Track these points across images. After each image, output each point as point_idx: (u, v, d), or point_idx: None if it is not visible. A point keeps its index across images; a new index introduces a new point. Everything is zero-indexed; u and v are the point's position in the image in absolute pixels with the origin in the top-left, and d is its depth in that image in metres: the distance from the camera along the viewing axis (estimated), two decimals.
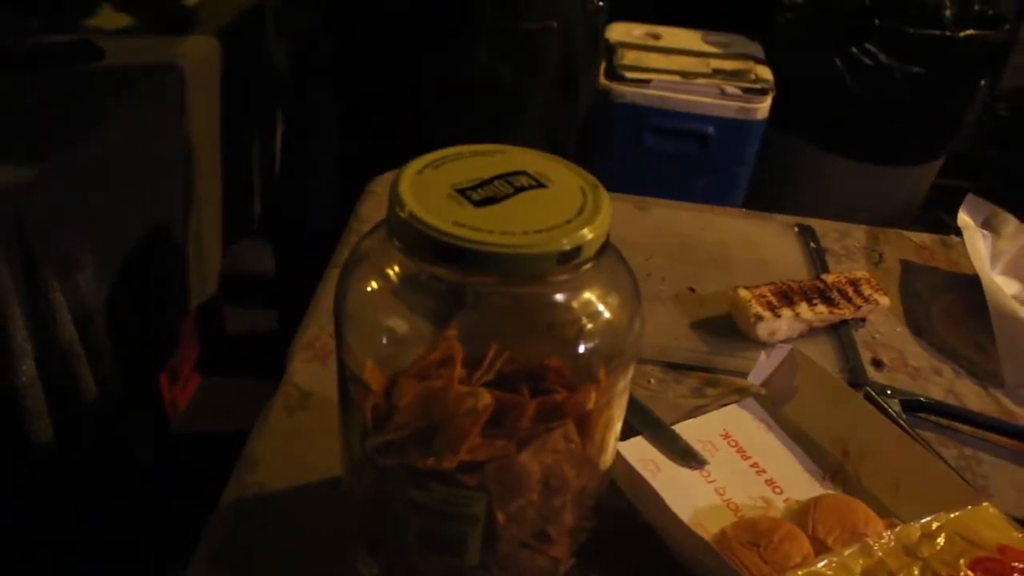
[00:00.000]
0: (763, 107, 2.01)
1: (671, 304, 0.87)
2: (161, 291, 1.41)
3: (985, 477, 0.73)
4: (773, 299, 0.83)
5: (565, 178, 0.49)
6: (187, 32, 1.46)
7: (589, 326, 0.47)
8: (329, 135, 1.46)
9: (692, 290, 0.89)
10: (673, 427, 0.72)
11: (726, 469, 0.70)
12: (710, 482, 0.68)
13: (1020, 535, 0.60)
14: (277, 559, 0.61)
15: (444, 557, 0.51)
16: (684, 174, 2.02)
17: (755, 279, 0.87)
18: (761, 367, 0.76)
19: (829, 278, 0.88)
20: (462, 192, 0.46)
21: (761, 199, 2.04)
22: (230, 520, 0.64)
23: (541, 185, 0.48)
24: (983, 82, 2.27)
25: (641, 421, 0.72)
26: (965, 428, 0.77)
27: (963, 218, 0.99)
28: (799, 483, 0.69)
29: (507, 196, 0.47)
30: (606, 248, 0.47)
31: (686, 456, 0.69)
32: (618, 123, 2.01)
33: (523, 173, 0.49)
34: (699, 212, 1.03)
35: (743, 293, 0.83)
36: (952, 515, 0.60)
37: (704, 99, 1.99)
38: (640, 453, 0.69)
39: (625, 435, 0.70)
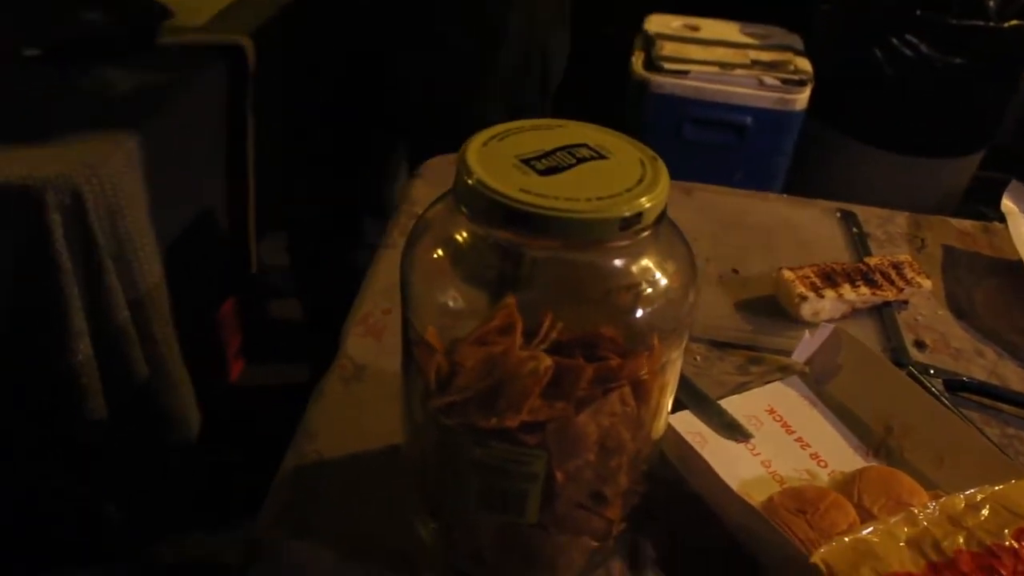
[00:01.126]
0: (802, 98, 2.01)
1: (716, 285, 0.88)
2: (205, 275, 1.44)
3: None
4: (817, 280, 0.84)
5: (624, 150, 0.51)
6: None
7: (648, 292, 0.49)
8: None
9: (736, 271, 0.90)
10: (719, 402, 0.74)
11: (771, 443, 0.71)
12: (755, 455, 0.70)
13: None
14: (338, 522, 0.63)
15: (504, 514, 0.53)
16: (722, 165, 2.02)
17: (797, 261, 0.88)
18: (805, 345, 0.77)
19: (872, 261, 0.89)
20: (526, 162, 0.48)
21: (799, 191, 2.03)
22: (290, 486, 0.66)
23: (602, 156, 0.50)
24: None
25: (688, 395, 0.73)
26: (1008, 408, 0.78)
27: (1007, 204, 1.00)
28: (844, 457, 0.71)
29: (570, 166, 0.48)
30: (663, 218, 0.49)
31: (732, 429, 0.71)
32: (657, 114, 2.03)
33: (584, 145, 0.51)
34: (741, 197, 1.05)
35: (787, 274, 0.84)
36: (996, 488, 0.61)
37: (742, 90, 2.00)
38: (687, 426, 0.71)
39: (673, 409, 0.72)
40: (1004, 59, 2.13)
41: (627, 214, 0.45)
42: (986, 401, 0.78)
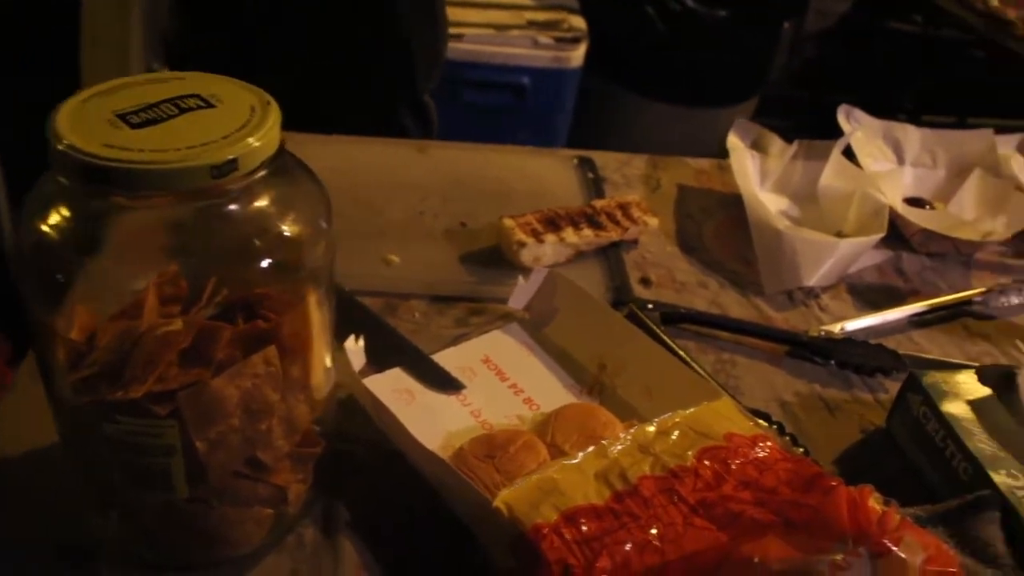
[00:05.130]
0: (577, 55, 2.03)
1: (441, 240, 0.87)
2: None
3: (738, 378, 0.76)
4: (538, 226, 0.83)
5: (237, 98, 0.48)
6: None
7: (268, 239, 0.46)
8: None
9: (464, 224, 0.89)
10: (434, 356, 0.72)
11: (483, 392, 0.70)
12: (466, 405, 0.69)
13: (750, 423, 0.62)
14: (18, 524, 0.58)
15: (154, 492, 0.49)
16: (503, 126, 2.02)
17: (530, 210, 0.87)
18: (520, 291, 0.76)
19: (598, 203, 0.89)
20: (122, 117, 0.45)
21: (582, 147, 2.06)
22: None
23: (209, 105, 0.46)
24: (787, 25, 2.35)
25: (398, 353, 0.71)
26: (724, 335, 0.80)
27: (732, 139, 1.02)
28: (557, 398, 0.70)
29: (170, 117, 0.45)
30: (279, 164, 0.46)
31: (442, 383, 0.69)
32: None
33: (195, 96, 0.47)
34: (479, 151, 1.03)
35: (507, 222, 0.83)
36: (688, 411, 0.62)
37: (518, 50, 2.00)
38: (396, 384, 0.69)
39: (382, 367, 0.70)
40: (767, 11, 2.21)
41: (218, 161, 0.42)
42: (703, 330, 0.80)
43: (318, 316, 0.51)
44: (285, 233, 0.47)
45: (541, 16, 2.07)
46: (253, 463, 0.50)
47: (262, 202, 0.46)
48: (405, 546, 0.59)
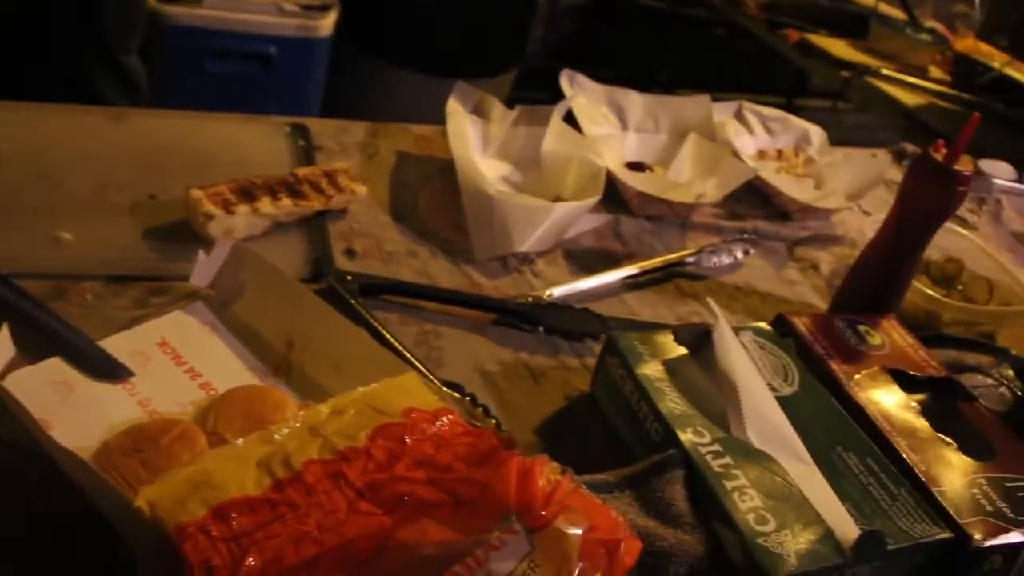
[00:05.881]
0: (326, 24, 1.96)
1: (125, 215, 0.79)
2: None
3: (441, 349, 0.73)
4: (231, 196, 0.77)
5: None
6: None
7: None
8: None
9: (153, 197, 0.81)
10: (103, 342, 0.65)
11: (155, 379, 0.63)
12: (133, 395, 0.62)
13: (435, 398, 0.59)
14: None
15: None
16: (251, 97, 1.93)
17: (223, 180, 0.81)
18: (202, 267, 0.70)
19: (301, 171, 0.84)
20: None
21: (336, 117, 1.99)
22: None
23: None
24: None
25: (55, 341, 0.63)
26: (429, 305, 0.76)
27: (452, 104, 0.99)
28: (239, 381, 0.64)
29: None
30: None
31: (107, 371, 0.62)
32: (174, 48, 1.88)
33: None
34: (182, 119, 0.95)
35: (195, 193, 0.77)
36: (367, 388, 0.58)
37: (262, 18, 1.91)
38: (52, 375, 0.62)
39: (37, 358, 0.62)
40: None
41: None
42: (409, 301, 0.76)
43: None
44: None
45: None
46: None
47: None
48: (58, 557, 0.52)
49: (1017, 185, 1.33)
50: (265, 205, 0.78)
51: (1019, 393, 0.83)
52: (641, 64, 2.87)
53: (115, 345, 0.65)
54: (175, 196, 0.81)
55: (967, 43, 2.08)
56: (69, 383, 0.61)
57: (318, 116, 2.00)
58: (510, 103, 1.05)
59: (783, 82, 3.02)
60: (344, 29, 2.00)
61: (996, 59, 1.98)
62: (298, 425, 0.55)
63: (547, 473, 0.51)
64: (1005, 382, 0.84)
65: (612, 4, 2.77)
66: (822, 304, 0.92)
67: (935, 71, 2.07)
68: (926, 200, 0.79)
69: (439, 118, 0.98)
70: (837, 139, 1.22)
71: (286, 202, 0.79)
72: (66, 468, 0.54)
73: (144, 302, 0.71)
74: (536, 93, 2.25)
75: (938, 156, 0.77)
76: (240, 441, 0.53)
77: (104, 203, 0.80)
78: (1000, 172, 1.33)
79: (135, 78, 1.29)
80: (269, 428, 0.54)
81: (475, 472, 0.52)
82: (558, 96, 1.05)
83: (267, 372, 0.66)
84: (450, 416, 0.57)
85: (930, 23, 2.20)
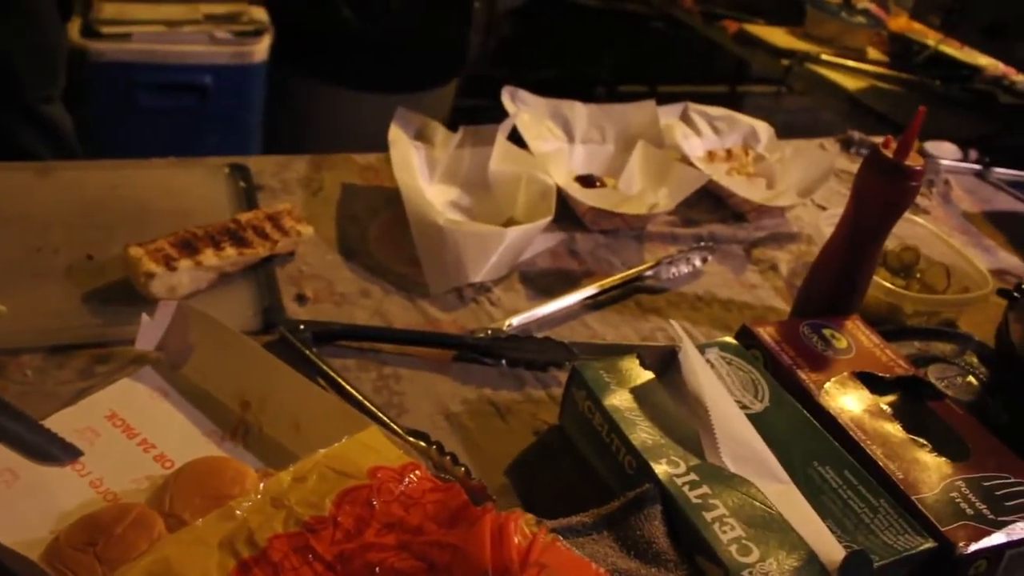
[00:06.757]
0: (261, 49, 1.93)
1: (62, 279, 0.76)
2: None
3: (402, 393, 0.70)
4: (171, 251, 0.74)
5: None
6: None
7: None
8: None
9: (90, 258, 0.78)
10: (46, 420, 0.62)
11: (106, 456, 0.61)
12: (84, 476, 0.59)
13: (398, 452, 0.57)
14: None
15: None
16: (189, 131, 1.89)
17: (173, 230, 0.78)
18: (148, 330, 0.67)
19: (243, 217, 0.81)
20: None
21: (280, 144, 1.96)
22: None
23: None
24: (478, 4, 2.34)
25: None
26: (387, 347, 0.74)
27: (393, 131, 0.97)
28: (194, 449, 0.62)
29: None
30: None
31: (52, 453, 0.59)
32: (104, 85, 1.84)
33: None
34: (114, 169, 0.92)
35: (134, 251, 0.74)
36: (327, 450, 0.56)
37: (195, 48, 1.87)
38: None
39: None
40: None
41: None
42: (365, 345, 0.74)
43: None
44: None
45: (218, 9, 1.94)
46: None
47: None
48: None
49: (963, 164, 1.33)
50: (208, 257, 0.75)
51: (983, 380, 0.83)
52: (583, 63, 2.86)
53: (61, 423, 0.62)
54: (113, 254, 0.78)
55: (900, 22, 2.10)
56: (13, 471, 0.58)
57: (260, 144, 1.97)
58: (455, 112, 1.03)
59: (725, 71, 3.03)
60: (280, 53, 1.96)
61: (930, 37, 2.00)
62: (259, 497, 0.53)
63: (522, 527, 0.49)
64: (970, 369, 0.84)
65: (549, 5, 2.76)
66: (784, 306, 0.91)
67: (873, 52, 2.09)
68: (880, 197, 0.78)
69: (385, 137, 0.95)
70: (783, 122, 1.21)
71: (230, 252, 0.76)
72: (14, 570, 0.51)
73: (89, 372, 0.67)
74: (481, 100, 2.23)
75: (888, 152, 0.76)
76: (200, 521, 0.51)
77: (38, 267, 0.76)
78: (945, 152, 1.34)
79: (59, 126, 1.25)
80: (229, 504, 0.52)
81: (448, 533, 0.50)
82: (502, 103, 1.03)
83: (224, 436, 0.63)
84: (417, 472, 0.55)
85: (864, 4, 2.22)
